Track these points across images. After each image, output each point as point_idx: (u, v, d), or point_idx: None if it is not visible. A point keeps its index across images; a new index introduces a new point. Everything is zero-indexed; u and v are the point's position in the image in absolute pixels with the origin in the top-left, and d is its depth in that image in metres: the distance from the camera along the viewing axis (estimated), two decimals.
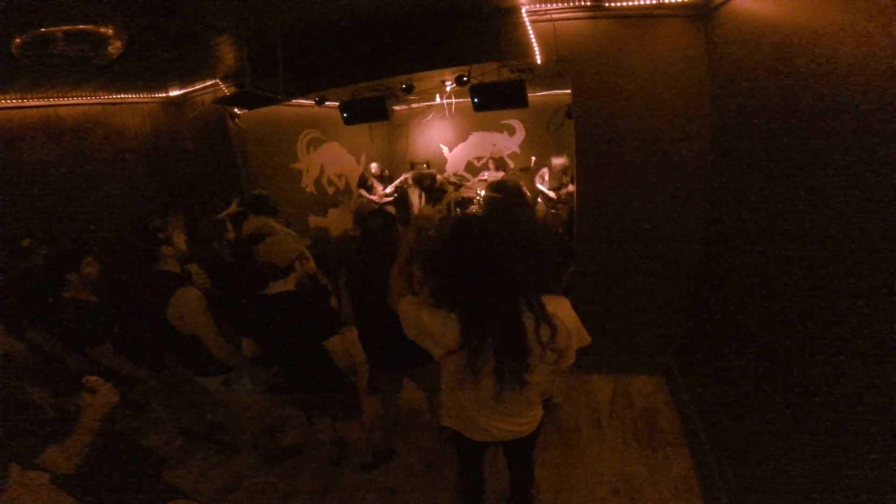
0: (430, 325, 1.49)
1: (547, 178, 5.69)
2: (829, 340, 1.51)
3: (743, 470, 2.09)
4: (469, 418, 1.71)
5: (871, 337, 1.30)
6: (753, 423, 2.06)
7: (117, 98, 4.51)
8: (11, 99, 3.71)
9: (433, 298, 1.53)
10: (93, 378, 1.63)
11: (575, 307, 3.35)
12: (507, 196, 2.50)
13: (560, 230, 3.87)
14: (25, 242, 3.49)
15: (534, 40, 3.01)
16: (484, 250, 1.39)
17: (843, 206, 1.44)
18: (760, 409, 1.99)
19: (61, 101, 4.07)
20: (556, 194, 5.60)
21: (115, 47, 2.25)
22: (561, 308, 1.50)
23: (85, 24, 2.00)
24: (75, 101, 4.18)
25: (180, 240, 2.60)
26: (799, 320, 1.71)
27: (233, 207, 4.16)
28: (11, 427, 1.40)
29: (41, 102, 3.92)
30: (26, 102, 3.82)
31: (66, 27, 1.97)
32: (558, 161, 5.51)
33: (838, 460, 1.42)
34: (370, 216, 2.54)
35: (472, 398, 1.62)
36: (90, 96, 4.27)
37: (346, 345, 2.24)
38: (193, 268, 2.63)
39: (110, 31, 2.11)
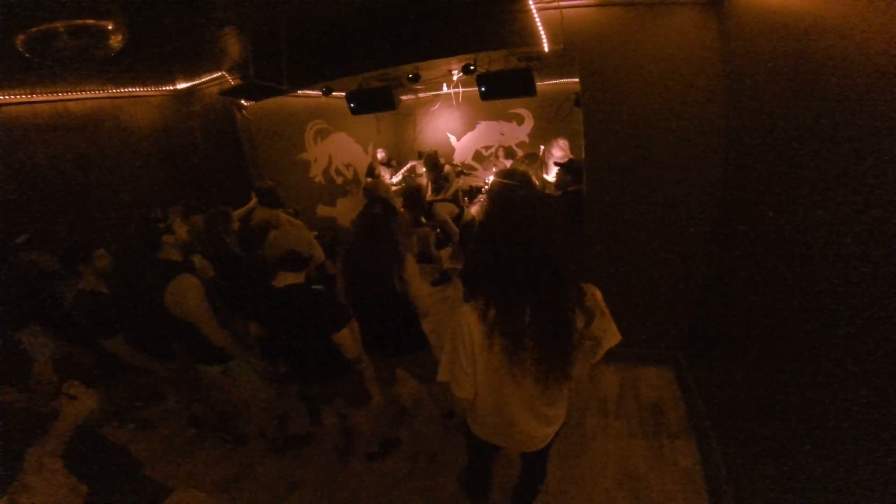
0: (464, 322, 1.38)
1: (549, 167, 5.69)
2: (838, 336, 1.47)
3: (749, 464, 2.07)
4: (505, 429, 1.60)
5: (879, 334, 1.27)
6: (761, 418, 2.03)
7: (125, 92, 4.54)
8: (21, 94, 3.75)
9: (465, 287, 1.45)
10: (74, 383, 1.64)
11: None
12: (516, 183, 2.48)
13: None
14: (22, 239, 3.39)
15: (541, 28, 2.94)
16: (534, 224, 1.26)
17: (856, 203, 1.39)
18: (768, 404, 1.96)
19: (70, 95, 4.10)
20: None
21: (117, 40, 2.26)
22: (598, 296, 1.39)
23: (85, 18, 2.00)
24: (84, 95, 4.21)
25: (181, 229, 2.62)
26: (808, 316, 1.67)
27: (253, 202, 4.20)
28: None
29: (50, 97, 3.96)
30: (35, 97, 3.85)
31: (67, 22, 1.97)
32: (556, 150, 5.49)
33: (845, 456, 1.40)
34: (372, 203, 2.53)
35: (508, 402, 1.50)
36: (98, 90, 4.30)
37: (354, 337, 2.25)
38: (197, 258, 2.64)
39: (111, 25, 2.11)
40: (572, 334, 1.31)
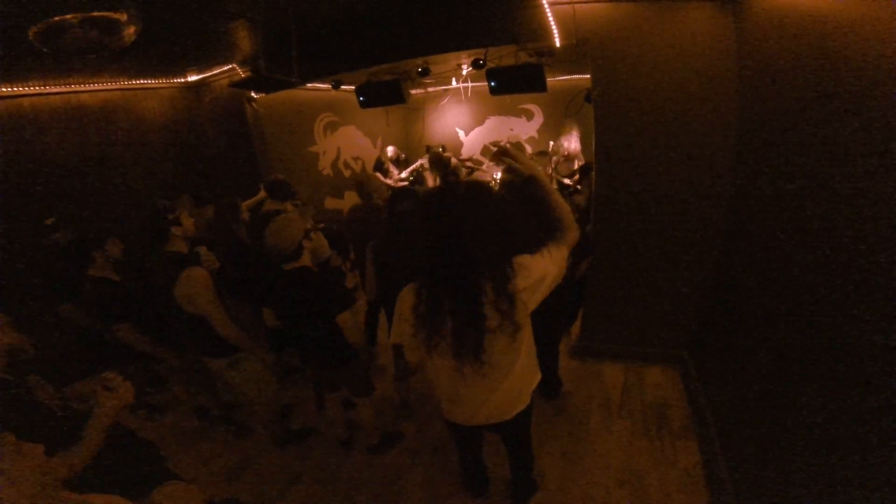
0: (404, 296, 1.59)
1: (556, 166, 5.66)
2: (843, 338, 1.46)
3: (750, 465, 2.07)
4: (450, 398, 1.75)
5: (883, 336, 1.26)
6: (764, 419, 2.02)
7: (137, 84, 4.57)
8: (34, 86, 3.79)
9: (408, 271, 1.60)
10: (112, 375, 1.60)
11: (590, 294, 3.29)
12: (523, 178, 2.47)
13: (576, 217, 3.82)
14: (48, 221, 3.66)
15: (553, 23, 2.91)
16: (448, 219, 1.40)
17: (865, 204, 1.37)
18: (772, 406, 1.95)
19: (82, 87, 4.15)
20: (571, 181, 5.56)
21: (130, 33, 2.26)
22: (520, 285, 1.47)
23: (99, 10, 2.01)
24: (96, 87, 4.26)
25: (188, 221, 2.64)
26: (814, 318, 1.65)
27: (261, 194, 4.21)
28: (18, 429, 1.35)
29: (63, 89, 4.00)
30: (48, 89, 3.90)
31: (81, 14, 1.99)
32: (566, 147, 5.47)
33: (847, 458, 1.39)
34: (399, 198, 2.56)
35: (440, 375, 1.66)
36: (111, 82, 4.34)
37: (356, 321, 2.31)
38: (202, 249, 2.66)
39: (124, 17, 2.13)
40: (480, 316, 1.44)
